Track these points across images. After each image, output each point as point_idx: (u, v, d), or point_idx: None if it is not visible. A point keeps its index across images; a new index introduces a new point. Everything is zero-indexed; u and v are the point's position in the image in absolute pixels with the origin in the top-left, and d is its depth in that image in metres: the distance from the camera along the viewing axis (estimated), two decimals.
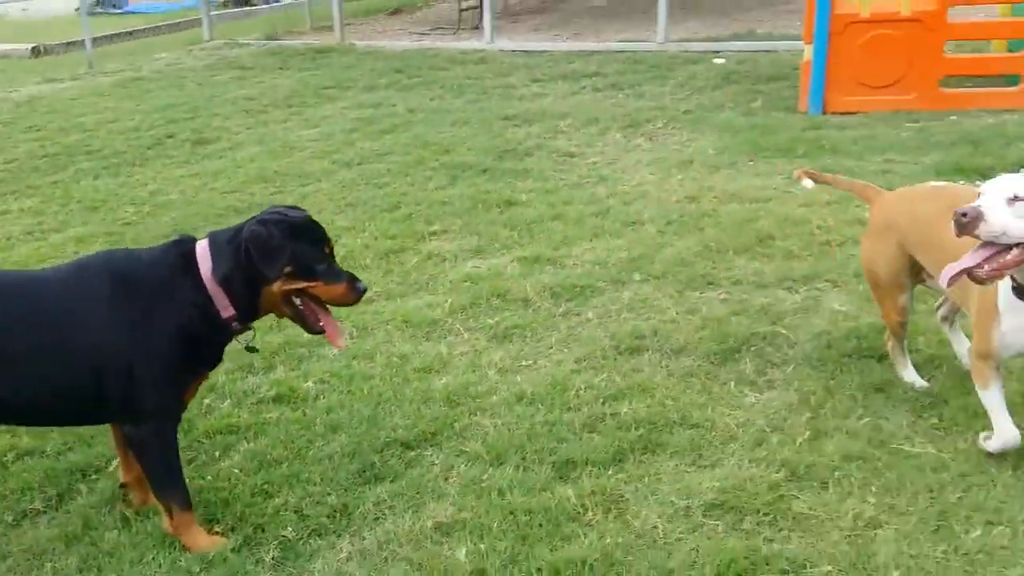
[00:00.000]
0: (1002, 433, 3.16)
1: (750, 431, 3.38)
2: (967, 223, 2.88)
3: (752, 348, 3.99)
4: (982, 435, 3.22)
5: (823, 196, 5.56)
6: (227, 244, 2.93)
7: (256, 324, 3.08)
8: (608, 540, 2.86)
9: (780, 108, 8.06)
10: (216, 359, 3.07)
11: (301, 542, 2.98)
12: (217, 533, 3.03)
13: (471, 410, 3.66)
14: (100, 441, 3.54)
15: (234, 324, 2.99)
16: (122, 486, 3.24)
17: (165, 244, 3.05)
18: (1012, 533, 2.81)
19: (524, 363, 4.03)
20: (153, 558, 2.93)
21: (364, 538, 2.98)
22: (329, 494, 3.19)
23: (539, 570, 2.75)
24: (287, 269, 2.91)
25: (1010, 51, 8.18)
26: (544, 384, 3.80)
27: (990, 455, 3.17)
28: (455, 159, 7.11)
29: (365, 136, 8.09)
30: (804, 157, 6.53)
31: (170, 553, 2.94)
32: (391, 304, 4.69)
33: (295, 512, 3.11)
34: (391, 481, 3.25)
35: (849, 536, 2.84)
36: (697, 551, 2.80)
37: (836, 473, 3.12)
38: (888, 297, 3.61)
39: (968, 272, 2.92)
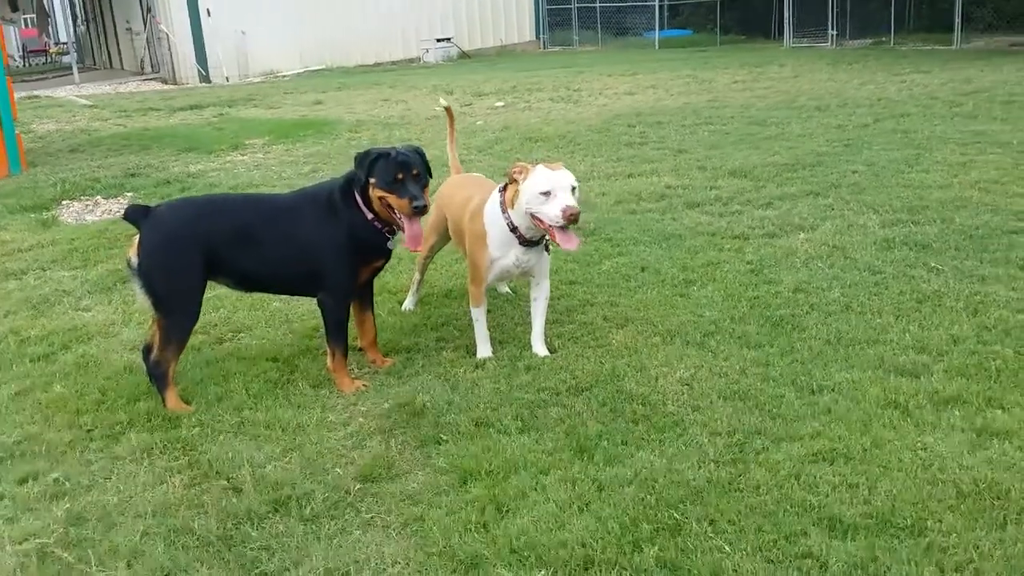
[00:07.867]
0: (480, 343, 4.36)
1: None
2: (576, 217, 3.89)
3: None
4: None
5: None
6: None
7: None
8: None
9: None
10: (377, 253, 4.22)
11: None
12: None
13: None
14: None
15: (375, 224, 4.08)
16: (359, 349, 4.51)
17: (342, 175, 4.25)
18: None
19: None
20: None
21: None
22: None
23: None
24: (371, 179, 4.00)
25: None
26: None
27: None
28: None
29: None
30: (59, 198, 8.98)
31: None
32: None
33: None
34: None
35: None
36: None
37: None
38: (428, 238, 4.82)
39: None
